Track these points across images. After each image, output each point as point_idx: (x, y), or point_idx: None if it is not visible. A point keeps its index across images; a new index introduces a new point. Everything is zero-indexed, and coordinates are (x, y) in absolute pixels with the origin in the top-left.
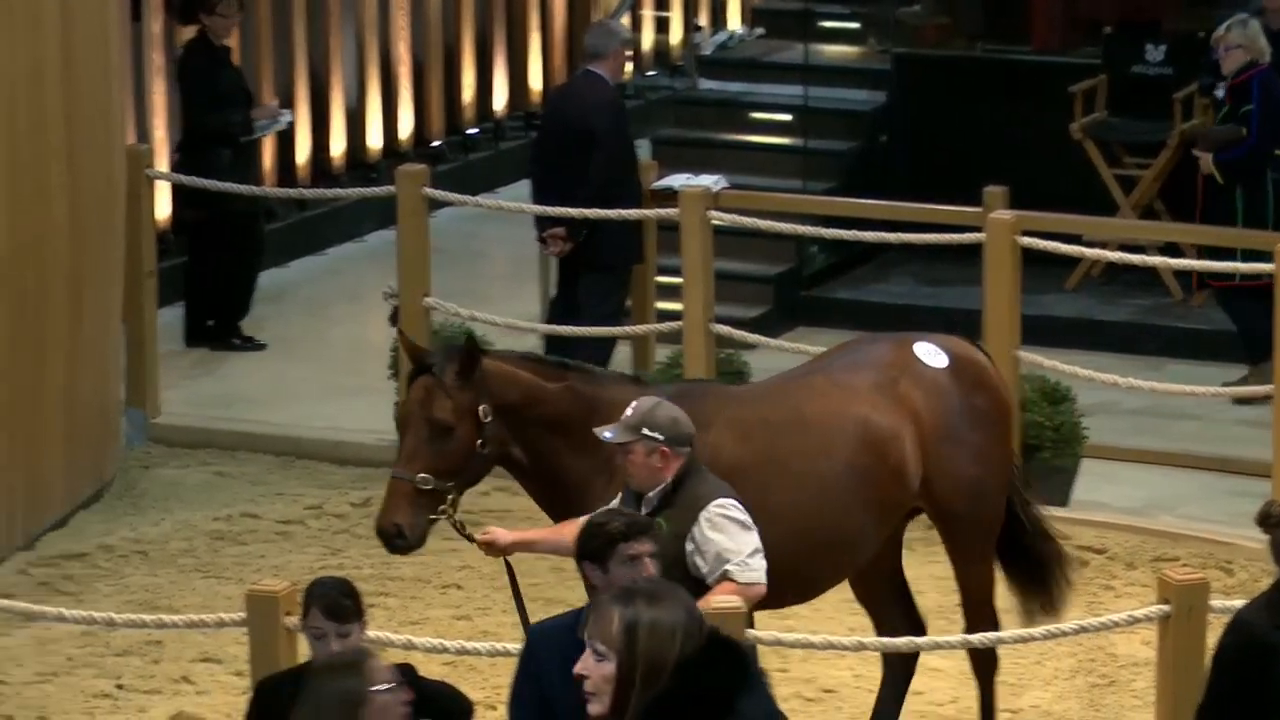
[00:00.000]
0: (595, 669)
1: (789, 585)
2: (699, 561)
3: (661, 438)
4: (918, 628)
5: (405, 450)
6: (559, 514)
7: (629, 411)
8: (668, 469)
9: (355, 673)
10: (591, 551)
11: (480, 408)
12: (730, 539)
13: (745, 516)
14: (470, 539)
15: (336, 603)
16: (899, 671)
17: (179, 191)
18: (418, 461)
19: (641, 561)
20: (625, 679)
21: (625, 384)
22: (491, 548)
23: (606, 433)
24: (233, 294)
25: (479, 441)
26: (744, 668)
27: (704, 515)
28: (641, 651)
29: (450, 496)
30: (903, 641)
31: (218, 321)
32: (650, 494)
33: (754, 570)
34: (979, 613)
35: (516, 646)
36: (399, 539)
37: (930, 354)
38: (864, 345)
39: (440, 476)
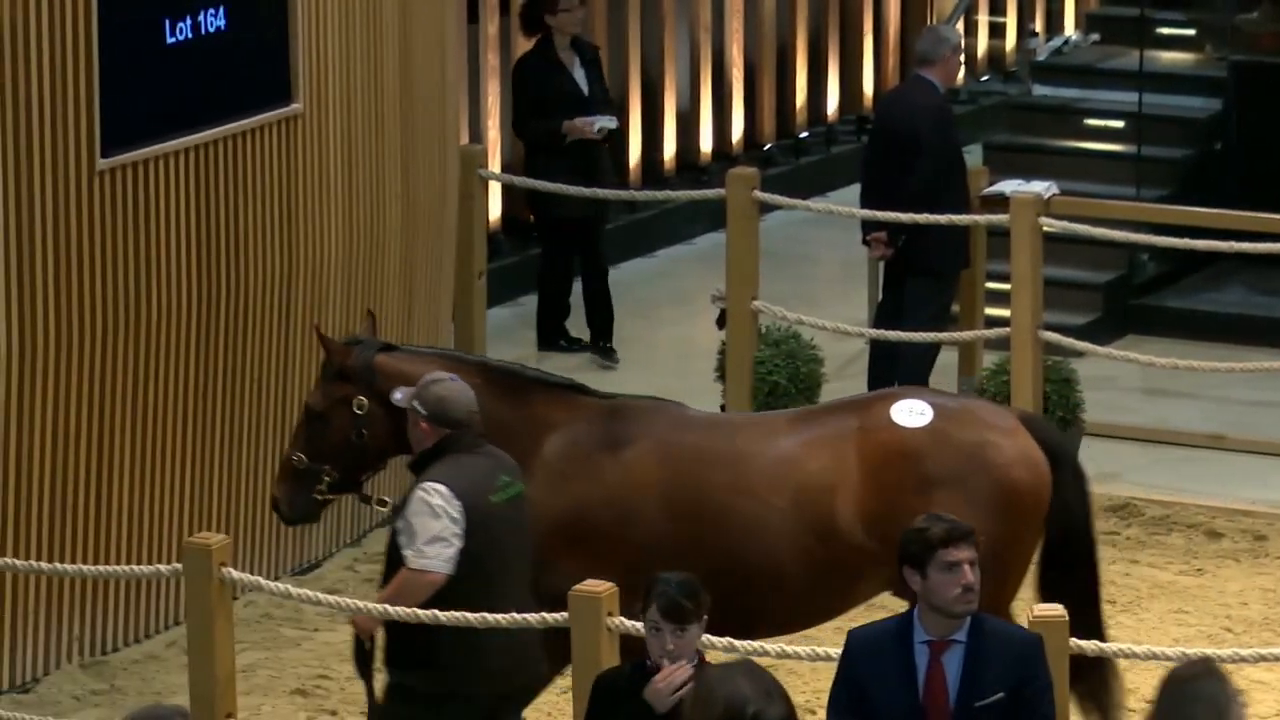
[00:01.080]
0: None
1: (729, 619)
2: (400, 540)
3: (424, 412)
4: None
5: (294, 430)
6: None
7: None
8: (427, 441)
9: (1216, 678)
10: (910, 556)
11: (356, 399)
12: (417, 523)
13: (441, 502)
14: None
15: (674, 603)
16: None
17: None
18: (298, 442)
19: (960, 568)
20: None
21: (560, 394)
22: None
23: (397, 394)
24: (562, 297)
25: (354, 431)
26: None
27: (411, 496)
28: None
29: (326, 479)
30: (1227, 653)
31: (552, 323)
32: (410, 462)
33: (427, 558)
34: None
35: (837, 651)
36: (277, 509)
37: (908, 412)
38: (859, 396)
39: (313, 459)
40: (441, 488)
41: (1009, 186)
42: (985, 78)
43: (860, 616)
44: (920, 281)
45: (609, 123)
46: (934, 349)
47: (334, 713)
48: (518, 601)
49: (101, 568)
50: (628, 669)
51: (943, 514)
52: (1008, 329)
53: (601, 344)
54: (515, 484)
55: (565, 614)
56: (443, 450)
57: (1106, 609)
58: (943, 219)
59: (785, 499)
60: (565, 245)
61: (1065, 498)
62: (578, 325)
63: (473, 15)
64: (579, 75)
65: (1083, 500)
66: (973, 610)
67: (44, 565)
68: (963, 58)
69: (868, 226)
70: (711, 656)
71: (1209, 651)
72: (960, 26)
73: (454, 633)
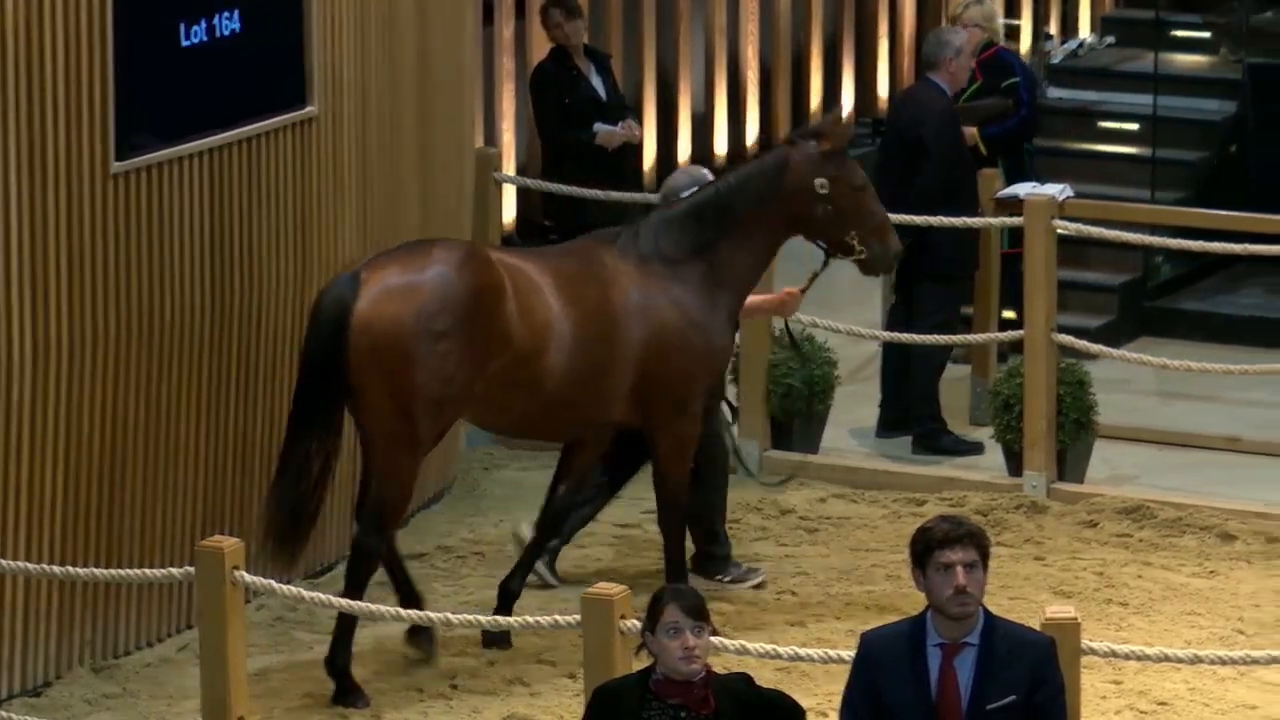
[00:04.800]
0: None
1: None
2: None
3: None
4: None
5: None
6: None
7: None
8: None
9: None
10: (915, 556)
11: None
12: None
13: None
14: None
15: (695, 601)
16: None
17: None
18: None
19: (954, 570)
20: None
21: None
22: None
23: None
24: None
25: None
26: None
27: None
28: None
29: None
30: (1239, 655)
31: None
32: None
33: None
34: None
35: (849, 654)
36: None
37: None
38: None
39: None
40: None
41: (1024, 189)
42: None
43: (874, 619)
44: (928, 286)
45: (635, 130)
46: (945, 352)
47: (346, 717)
48: None
49: (113, 571)
50: (631, 679)
51: (951, 514)
52: (1021, 332)
53: None
54: None
55: (577, 616)
56: None
57: (1120, 610)
58: (957, 221)
59: None
60: None
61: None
62: None
63: (488, 18)
64: (596, 82)
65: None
66: (967, 613)
67: (56, 569)
68: (970, 60)
69: None
70: (723, 659)
71: (1221, 653)
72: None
73: None
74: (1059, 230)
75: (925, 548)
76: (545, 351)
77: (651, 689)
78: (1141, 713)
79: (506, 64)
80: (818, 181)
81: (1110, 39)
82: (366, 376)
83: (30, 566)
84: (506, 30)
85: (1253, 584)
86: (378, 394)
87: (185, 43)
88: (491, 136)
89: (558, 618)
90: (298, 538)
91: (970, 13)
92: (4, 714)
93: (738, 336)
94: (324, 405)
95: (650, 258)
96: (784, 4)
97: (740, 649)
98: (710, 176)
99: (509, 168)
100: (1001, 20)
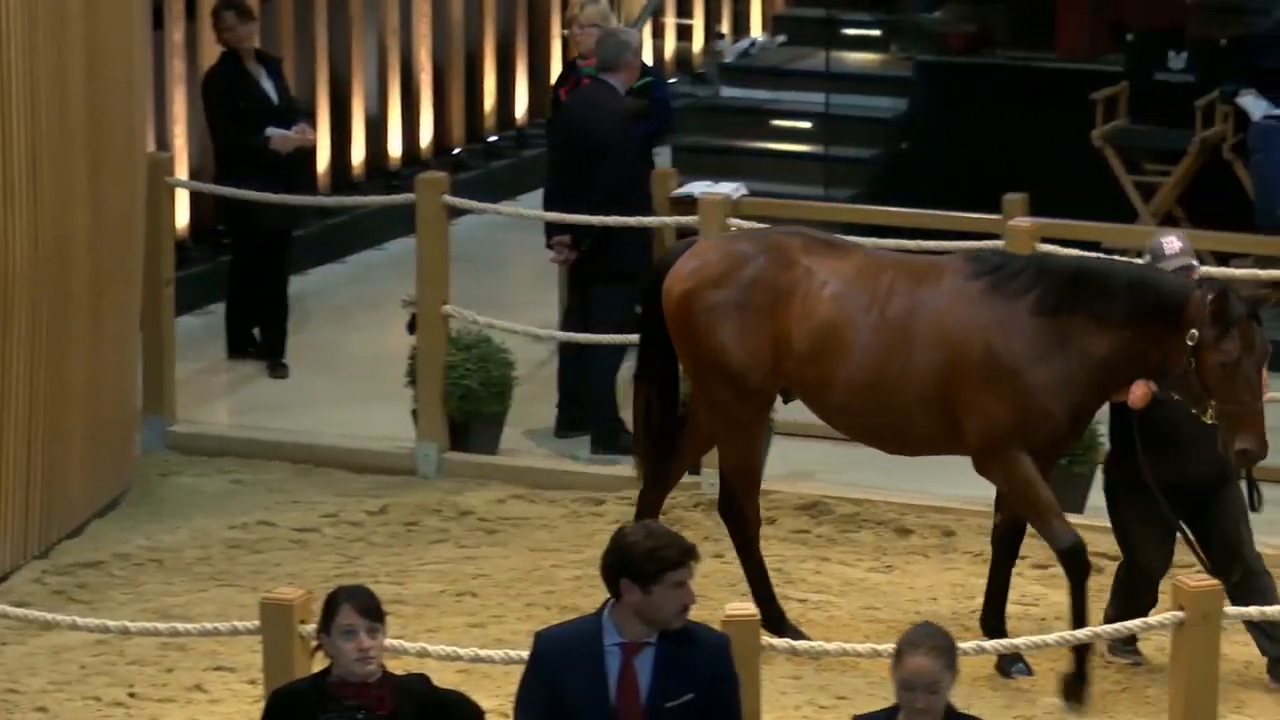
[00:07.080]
0: None
1: None
2: None
3: None
4: None
5: None
6: None
7: None
8: None
9: None
10: (637, 573)
11: None
12: None
13: None
14: None
15: (369, 601)
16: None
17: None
18: None
19: (686, 587)
20: None
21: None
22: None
23: None
24: (253, 306)
25: None
26: None
27: None
28: None
29: None
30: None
31: (257, 333)
32: None
33: None
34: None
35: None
36: None
37: None
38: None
39: None
40: None
41: (698, 188)
42: (673, 80)
43: (555, 619)
44: (604, 287)
45: (308, 134)
46: (622, 352)
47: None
48: None
49: None
50: (308, 682)
51: (657, 526)
52: None
53: (273, 360)
54: None
55: (256, 622)
56: None
57: (798, 607)
58: (633, 221)
59: None
60: (258, 254)
61: None
62: None
63: (158, 21)
64: (267, 86)
65: None
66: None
67: None
68: (640, 59)
69: (552, 230)
70: (403, 662)
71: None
72: (648, 28)
73: None
74: (734, 229)
75: (659, 567)
76: (824, 355)
77: (328, 690)
78: (822, 707)
79: (178, 67)
80: (1192, 331)
81: (782, 38)
82: (673, 341)
83: None
84: (177, 33)
85: (930, 578)
86: (683, 357)
87: None
88: (164, 140)
89: (236, 624)
90: (663, 460)
91: (588, 12)
92: None
93: (414, 339)
94: (650, 355)
95: (997, 290)
96: (456, 5)
97: (421, 651)
98: (1178, 257)
99: (181, 172)
100: (612, 18)
